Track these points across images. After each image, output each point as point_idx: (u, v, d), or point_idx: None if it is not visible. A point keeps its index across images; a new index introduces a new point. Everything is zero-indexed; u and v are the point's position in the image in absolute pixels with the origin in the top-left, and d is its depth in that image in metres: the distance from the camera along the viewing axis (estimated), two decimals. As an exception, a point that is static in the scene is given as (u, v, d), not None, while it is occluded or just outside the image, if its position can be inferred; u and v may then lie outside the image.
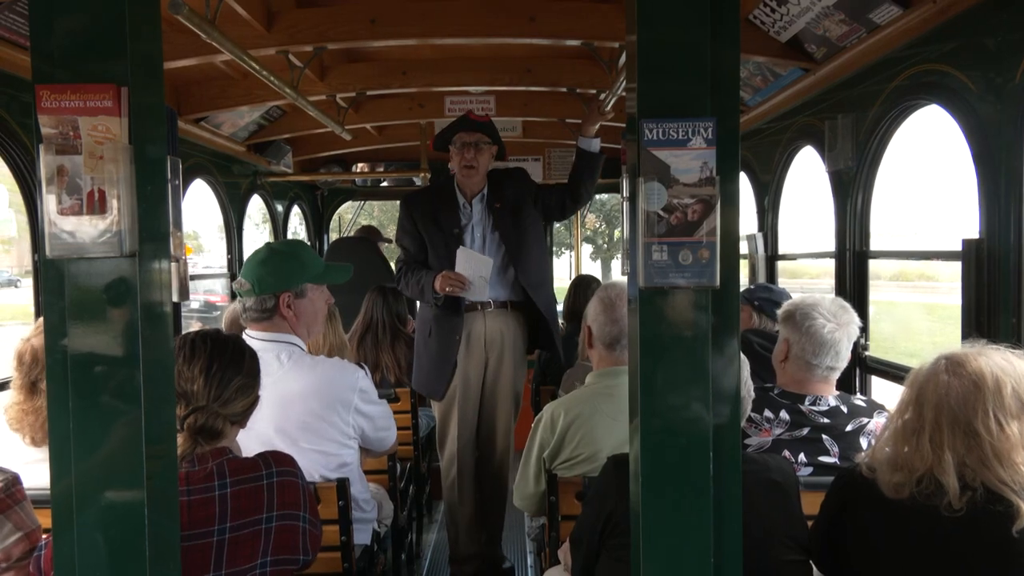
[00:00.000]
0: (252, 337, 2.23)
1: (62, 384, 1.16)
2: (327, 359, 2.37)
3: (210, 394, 1.56)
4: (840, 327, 2.11)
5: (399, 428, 3.00)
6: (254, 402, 1.65)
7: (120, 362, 1.16)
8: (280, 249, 2.44)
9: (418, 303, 3.47)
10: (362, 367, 2.41)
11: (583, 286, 4.07)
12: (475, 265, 3.12)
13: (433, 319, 3.25)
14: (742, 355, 1.68)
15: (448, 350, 3.22)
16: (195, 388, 1.55)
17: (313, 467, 2.20)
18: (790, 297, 3.46)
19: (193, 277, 2.60)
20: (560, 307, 4.28)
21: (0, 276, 18.46)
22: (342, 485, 2.16)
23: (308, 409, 2.22)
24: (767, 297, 3.15)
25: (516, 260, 3.22)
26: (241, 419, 1.64)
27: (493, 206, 3.23)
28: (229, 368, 1.59)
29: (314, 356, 2.36)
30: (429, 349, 3.28)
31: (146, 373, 1.16)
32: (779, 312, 2.24)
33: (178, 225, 1.31)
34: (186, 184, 4.21)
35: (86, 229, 1.15)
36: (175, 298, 1.31)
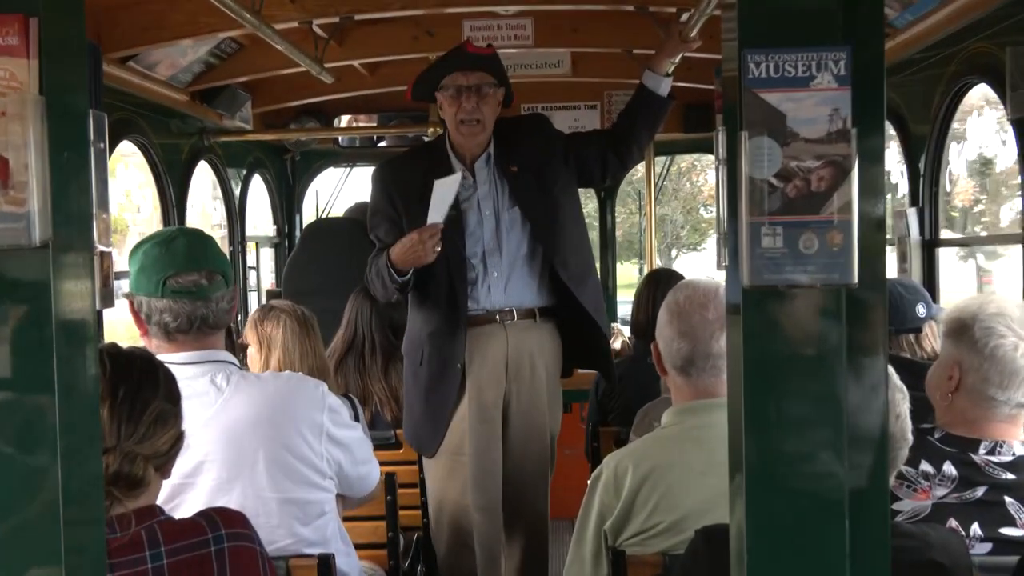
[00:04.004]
0: (173, 363, 2.19)
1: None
2: (275, 373, 2.38)
3: (120, 430, 1.58)
4: None
5: (402, 486, 3.03)
6: (178, 437, 1.68)
7: (29, 392, 1.19)
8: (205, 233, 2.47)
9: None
10: (350, 399, 2.44)
11: (659, 285, 4.02)
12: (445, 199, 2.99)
13: (426, 339, 3.19)
14: (897, 379, 1.66)
15: (443, 385, 3.15)
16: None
17: (285, 525, 2.23)
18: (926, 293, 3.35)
19: (119, 275, 2.64)
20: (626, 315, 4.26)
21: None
22: (325, 563, 2.19)
23: (265, 440, 2.23)
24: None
25: (549, 245, 3.18)
26: (165, 462, 1.67)
27: (508, 170, 3.19)
28: (141, 392, 1.61)
29: (257, 373, 2.35)
30: (419, 383, 3.23)
31: (63, 406, 1.19)
32: (945, 322, 2.22)
33: (103, 205, 1.35)
34: (111, 147, 4.30)
35: (-18, 212, 1.18)
36: (97, 305, 1.34)
